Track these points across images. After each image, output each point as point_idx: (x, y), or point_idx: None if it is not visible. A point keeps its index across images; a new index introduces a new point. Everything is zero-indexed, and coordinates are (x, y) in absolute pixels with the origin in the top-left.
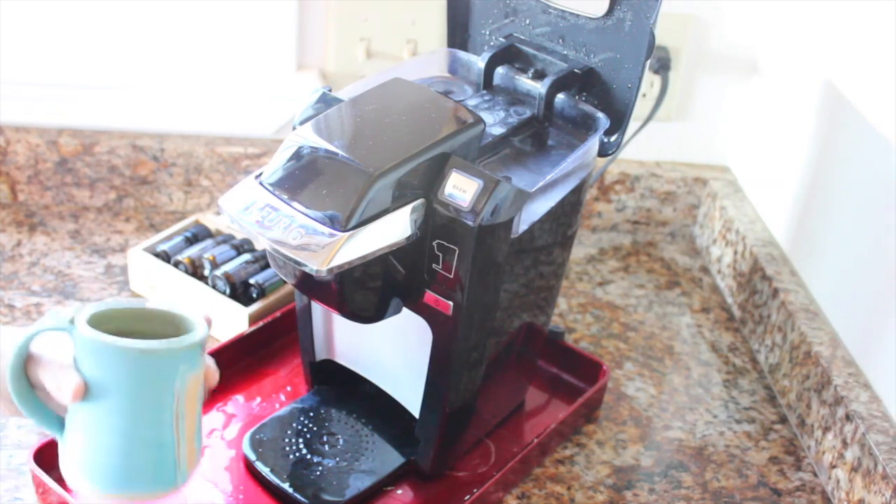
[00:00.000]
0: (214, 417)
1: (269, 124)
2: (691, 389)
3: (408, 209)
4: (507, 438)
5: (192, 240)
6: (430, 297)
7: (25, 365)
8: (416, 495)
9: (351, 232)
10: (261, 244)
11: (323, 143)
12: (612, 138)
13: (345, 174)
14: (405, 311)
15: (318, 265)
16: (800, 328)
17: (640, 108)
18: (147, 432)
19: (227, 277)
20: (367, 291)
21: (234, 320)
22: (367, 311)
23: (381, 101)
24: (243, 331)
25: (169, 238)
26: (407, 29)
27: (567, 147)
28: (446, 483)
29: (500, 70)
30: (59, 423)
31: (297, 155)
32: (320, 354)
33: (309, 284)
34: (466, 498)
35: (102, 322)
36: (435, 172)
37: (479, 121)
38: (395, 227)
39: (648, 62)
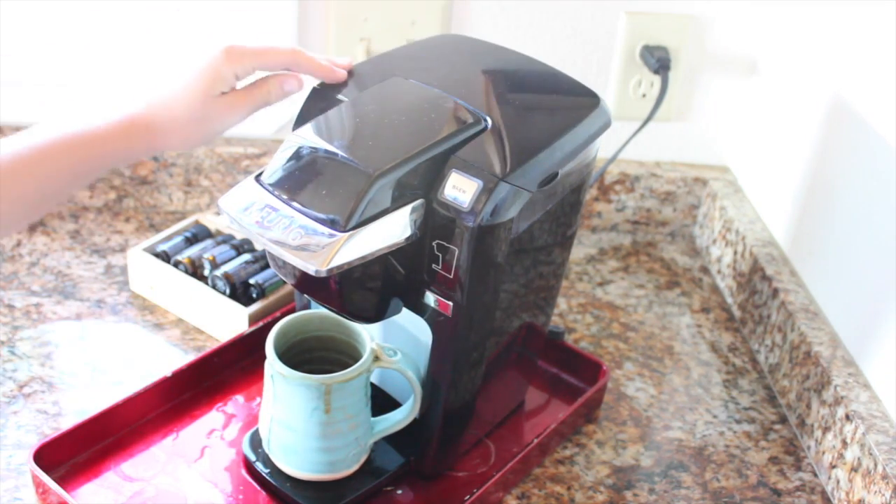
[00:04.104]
0: (214, 417)
1: (269, 124)
2: (691, 389)
3: (407, 209)
4: (507, 438)
5: (191, 240)
6: (430, 297)
7: None
8: (416, 495)
9: (351, 232)
10: (260, 244)
11: (322, 144)
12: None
13: (344, 174)
14: (405, 311)
15: (317, 265)
16: (800, 328)
17: (641, 108)
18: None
19: (227, 277)
20: (366, 291)
21: (233, 320)
22: (367, 311)
23: (380, 101)
24: (243, 331)
25: (169, 238)
26: (407, 29)
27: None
28: (446, 483)
29: None
30: None
31: (296, 155)
32: None
33: (309, 284)
34: (466, 498)
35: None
36: (434, 172)
37: (479, 120)
38: (395, 228)
39: None
